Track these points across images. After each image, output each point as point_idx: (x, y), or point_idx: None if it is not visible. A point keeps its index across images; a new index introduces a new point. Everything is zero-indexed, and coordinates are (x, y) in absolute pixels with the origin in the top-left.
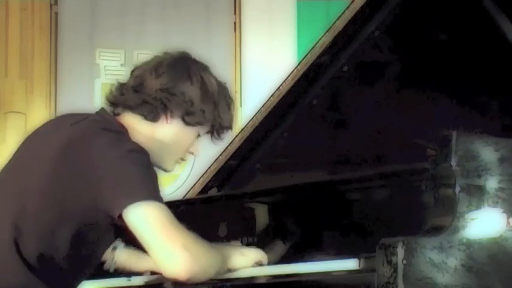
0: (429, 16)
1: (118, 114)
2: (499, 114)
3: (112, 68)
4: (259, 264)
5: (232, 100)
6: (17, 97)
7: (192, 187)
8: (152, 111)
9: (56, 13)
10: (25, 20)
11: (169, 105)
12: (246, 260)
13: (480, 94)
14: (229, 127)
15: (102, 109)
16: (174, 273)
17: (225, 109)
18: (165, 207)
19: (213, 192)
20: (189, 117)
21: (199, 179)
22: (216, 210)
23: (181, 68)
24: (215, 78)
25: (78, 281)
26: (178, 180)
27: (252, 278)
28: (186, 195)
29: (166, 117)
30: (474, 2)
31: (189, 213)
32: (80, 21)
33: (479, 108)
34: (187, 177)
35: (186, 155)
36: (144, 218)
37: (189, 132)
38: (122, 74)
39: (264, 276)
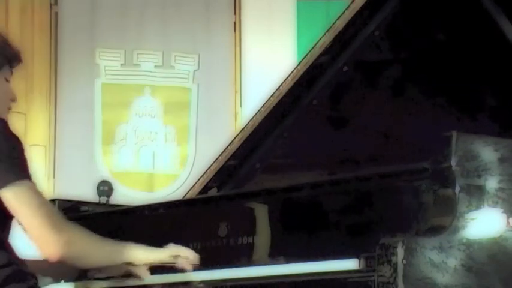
0: (429, 16)
1: None
2: (499, 114)
3: (112, 68)
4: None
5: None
6: (17, 97)
7: (192, 187)
8: None
9: (56, 13)
10: (25, 20)
11: None
12: (150, 253)
13: (480, 94)
14: (20, 55)
15: None
16: (45, 251)
17: (10, 42)
18: (35, 186)
19: (213, 192)
20: None
21: (199, 179)
22: (216, 210)
23: None
24: None
25: None
26: (178, 180)
27: (252, 278)
28: (186, 195)
29: None
30: (474, 2)
31: (189, 213)
32: (80, 21)
33: (479, 108)
34: (187, 177)
35: (10, 103)
36: (19, 198)
37: None
38: (122, 74)
39: (264, 276)
